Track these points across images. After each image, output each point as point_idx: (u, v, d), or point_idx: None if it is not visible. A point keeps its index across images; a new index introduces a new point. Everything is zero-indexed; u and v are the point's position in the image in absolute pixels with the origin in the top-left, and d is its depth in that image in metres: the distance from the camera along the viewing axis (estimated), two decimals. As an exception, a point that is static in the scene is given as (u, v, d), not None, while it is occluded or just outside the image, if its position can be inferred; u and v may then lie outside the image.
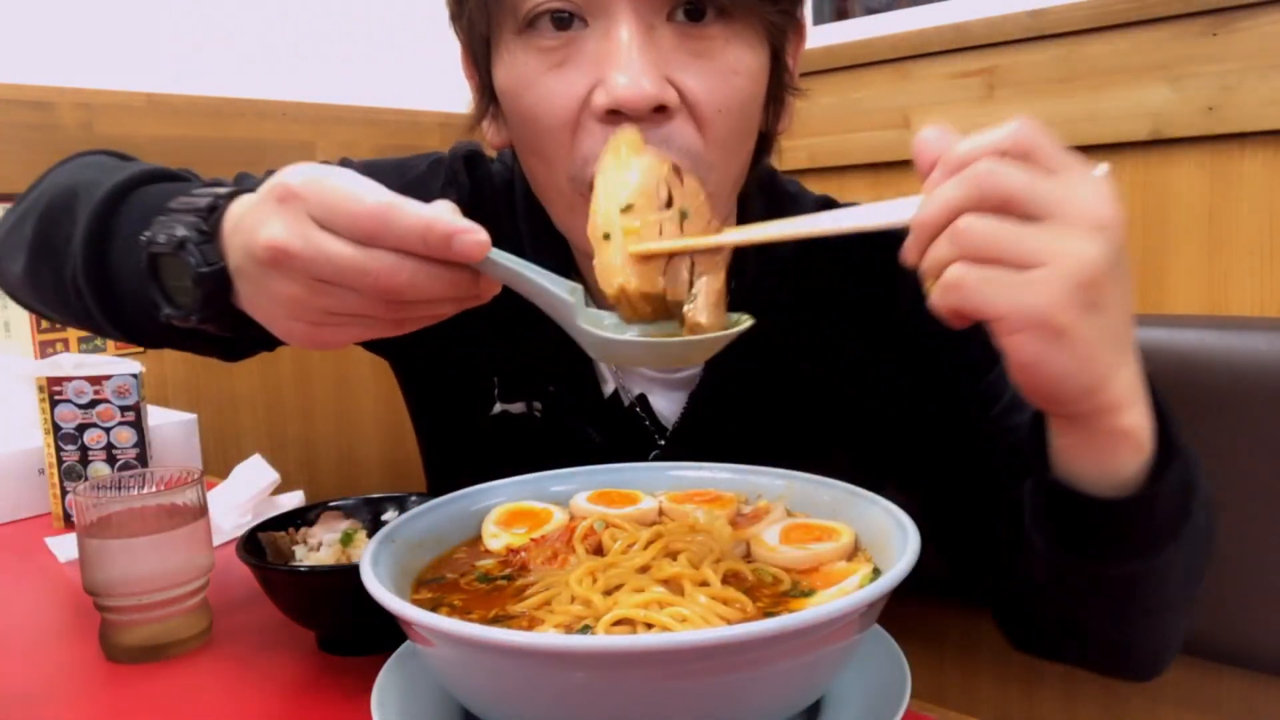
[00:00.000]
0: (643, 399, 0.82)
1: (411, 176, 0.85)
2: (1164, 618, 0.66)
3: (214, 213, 0.57)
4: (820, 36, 1.63)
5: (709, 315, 0.56)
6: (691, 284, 0.57)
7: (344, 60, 1.80)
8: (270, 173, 0.91)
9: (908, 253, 0.50)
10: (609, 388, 0.82)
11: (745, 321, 0.57)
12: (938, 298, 0.49)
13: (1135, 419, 0.54)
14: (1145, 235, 1.28)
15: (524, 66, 0.67)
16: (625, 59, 0.62)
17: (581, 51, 0.65)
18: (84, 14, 1.50)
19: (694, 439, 0.80)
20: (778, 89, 0.74)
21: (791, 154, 1.56)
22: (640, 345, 0.55)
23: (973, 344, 0.72)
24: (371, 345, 0.90)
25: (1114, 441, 0.55)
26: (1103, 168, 0.50)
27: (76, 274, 0.69)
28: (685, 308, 0.56)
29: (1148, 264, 1.28)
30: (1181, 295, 1.26)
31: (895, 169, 1.50)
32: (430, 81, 1.90)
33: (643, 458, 0.79)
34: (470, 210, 0.77)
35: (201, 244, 0.56)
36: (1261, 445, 1.05)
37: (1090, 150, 1.30)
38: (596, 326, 0.55)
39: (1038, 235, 0.47)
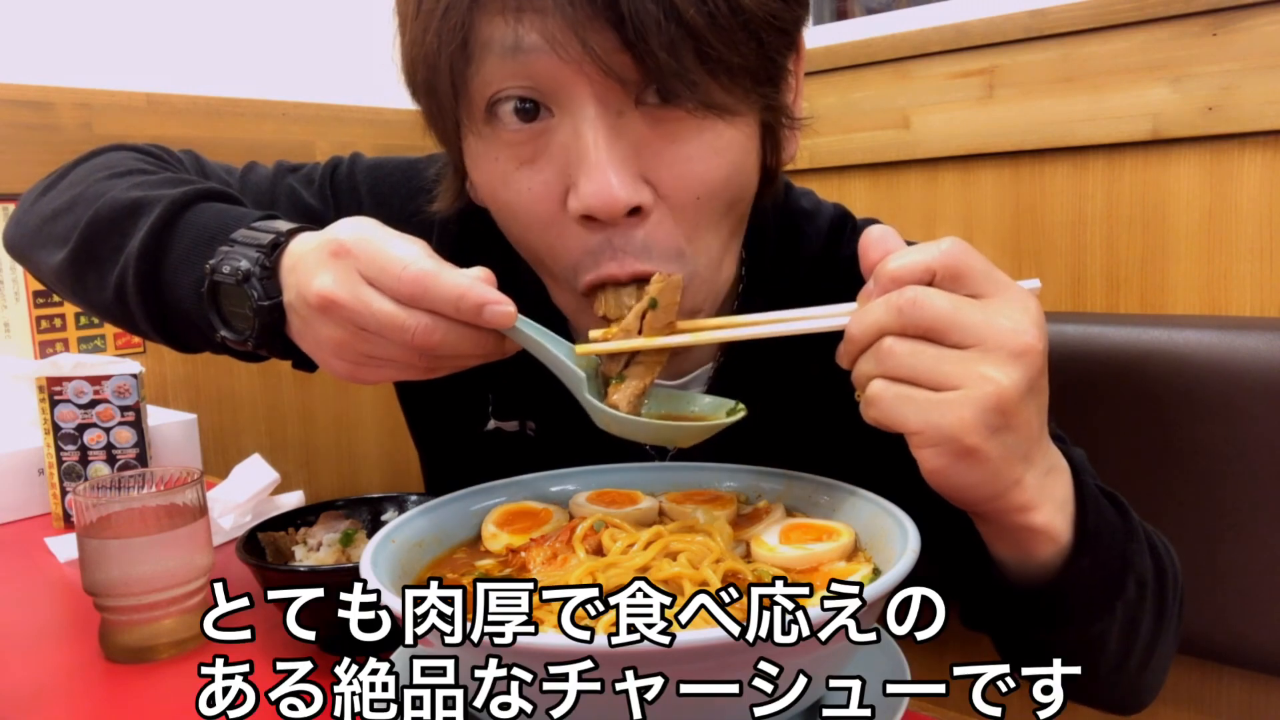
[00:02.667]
0: None
1: (417, 184, 0.84)
2: (1119, 676, 0.67)
3: (276, 250, 0.63)
4: (820, 36, 1.62)
5: (628, 405, 0.61)
6: (627, 363, 0.63)
7: (344, 60, 1.80)
8: (280, 164, 0.92)
9: (840, 359, 0.55)
10: None
11: (740, 412, 0.63)
12: (862, 409, 0.54)
13: (1045, 516, 0.56)
14: (1145, 235, 1.28)
15: (494, 162, 0.64)
16: (594, 162, 0.58)
17: (551, 145, 0.61)
18: (84, 14, 1.50)
19: (697, 459, 0.76)
20: (773, 135, 0.68)
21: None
22: (640, 424, 0.60)
23: None
24: None
25: (1025, 536, 0.57)
26: (1033, 284, 0.54)
27: (127, 284, 0.72)
28: (610, 383, 0.62)
29: (1148, 264, 1.28)
30: (1181, 295, 1.26)
31: (895, 169, 1.50)
32: (430, 81, 1.90)
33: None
34: (467, 222, 0.79)
35: (264, 279, 0.62)
36: (1261, 445, 1.05)
37: (1090, 150, 1.30)
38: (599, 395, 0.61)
39: (955, 361, 0.50)
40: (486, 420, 0.84)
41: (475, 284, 0.55)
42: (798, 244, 0.80)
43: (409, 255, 0.55)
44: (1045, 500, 0.56)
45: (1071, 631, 0.62)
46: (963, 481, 0.52)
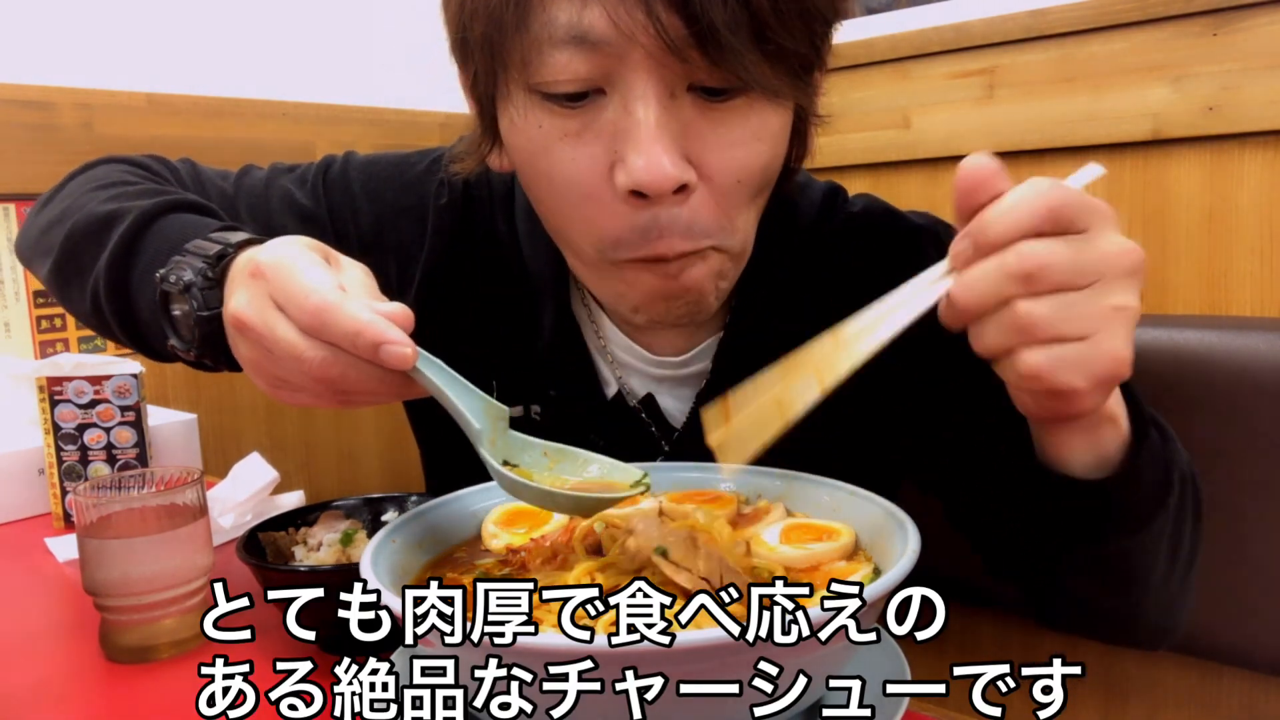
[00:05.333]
0: (649, 399, 0.81)
1: (410, 177, 0.86)
2: (1164, 591, 0.68)
3: (222, 260, 0.62)
4: (820, 36, 1.63)
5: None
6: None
7: (344, 60, 1.80)
8: (274, 165, 0.93)
9: (949, 323, 0.52)
10: (611, 390, 0.81)
11: (643, 486, 0.61)
12: (1016, 386, 0.52)
13: (1114, 402, 0.58)
14: (1145, 235, 1.28)
15: (537, 129, 0.63)
16: (646, 139, 0.59)
17: (599, 120, 0.61)
18: (84, 14, 1.49)
19: (700, 443, 0.79)
20: (801, 129, 0.71)
21: (791, 154, 1.56)
22: (533, 489, 0.57)
23: None
24: None
25: (1102, 426, 0.59)
26: (1097, 170, 0.55)
27: (100, 294, 0.74)
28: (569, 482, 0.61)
29: (1148, 264, 1.28)
30: (1181, 295, 1.26)
31: (895, 169, 1.49)
32: (430, 81, 1.90)
33: (649, 458, 0.78)
34: (462, 210, 0.80)
35: (205, 289, 0.62)
36: (1261, 445, 1.05)
37: (1090, 150, 1.30)
38: (497, 458, 0.58)
39: (1090, 304, 0.49)
40: None
41: (375, 321, 0.52)
42: (794, 214, 0.81)
43: (315, 284, 0.53)
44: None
45: (1129, 536, 0.62)
46: (1097, 403, 0.54)
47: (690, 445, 0.79)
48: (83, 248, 0.76)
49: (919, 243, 0.83)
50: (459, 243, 0.82)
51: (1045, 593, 0.76)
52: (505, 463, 0.58)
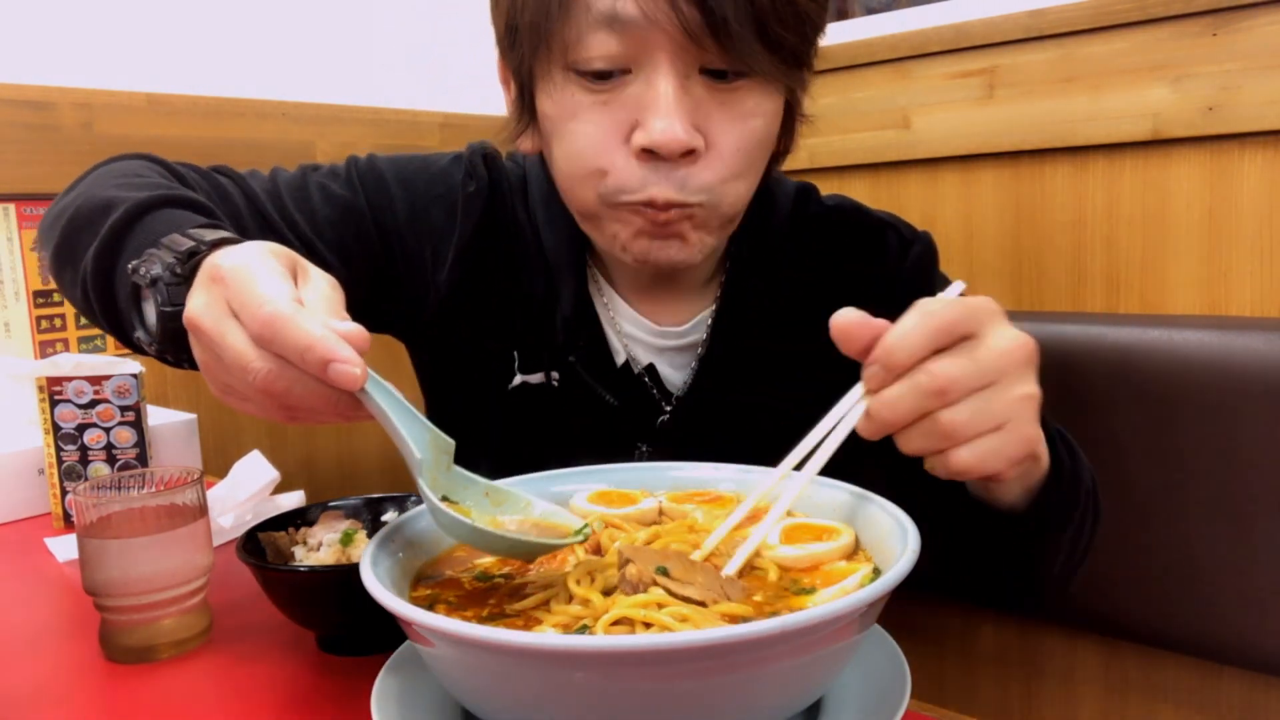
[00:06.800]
0: (651, 369, 0.91)
1: (436, 170, 0.93)
2: (1061, 575, 0.81)
3: (192, 258, 0.62)
4: (820, 36, 1.63)
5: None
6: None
7: (344, 60, 1.80)
8: (301, 165, 0.94)
9: (870, 435, 0.57)
10: (620, 358, 0.91)
11: (583, 535, 0.59)
12: (941, 472, 0.57)
13: (1042, 449, 0.66)
14: (1145, 235, 1.28)
15: (572, 99, 0.76)
16: (665, 108, 0.72)
17: (624, 94, 0.74)
18: (84, 14, 1.50)
19: (699, 404, 0.90)
20: (790, 120, 0.84)
21: (792, 154, 1.56)
22: (466, 526, 0.55)
23: None
24: (394, 331, 0.98)
25: (1035, 470, 0.69)
26: (960, 285, 0.64)
27: (87, 280, 0.74)
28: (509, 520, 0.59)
29: (1148, 264, 1.28)
30: (1181, 295, 1.26)
31: (895, 169, 1.50)
32: (430, 81, 1.90)
33: (652, 421, 0.90)
34: (489, 198, 0.90)
35: (172, 285, 0.61)
36: (1261, 445, 1.05)
37: (1090, 150, 1.30)
38: (436, 492, 0.56)
39: (1000, 399, 0.56)
40: (513, 376, 0.91)
41: (326, 337, 0.51)
42: (772, 205, 0.92)
43: (270, 294, 0.53)
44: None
45: (1040, 542, 0.75)
46: (1029, 470, 0.64)
47: (689, 408, 0.90)
48: (79, 234, 0.76)
49: (883, 234, 0.95)
50: (486, 227, 0.91)
51: (952, 566, 0.82)
52: (444, 498, 0.57)
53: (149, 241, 0.68)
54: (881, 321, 0.56)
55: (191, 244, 0.63)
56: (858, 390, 0.58)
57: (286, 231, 0.87)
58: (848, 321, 0.56)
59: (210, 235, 0.64)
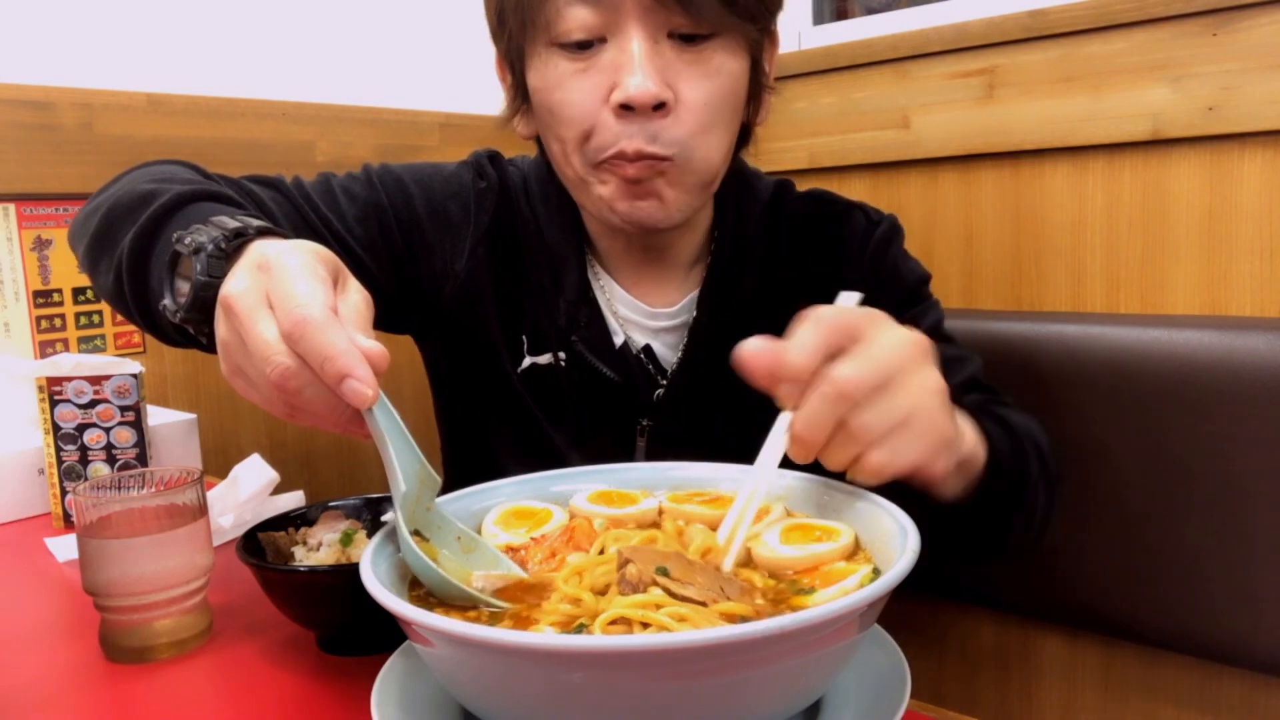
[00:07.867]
0: (648, 349, 0.97)
1: (448, 171, 1.01)
2: (1020, 540, 0.87)
3: (239, 237, 0.64)
4: (820, 36, 1.62)
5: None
6: None
7: (344, 60, 1.80)
8: (280, 177, 0.96)
9: (801, 459, 0.58)
10: (619, 340, 0.97)
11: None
12: (865, 479, 0.58)
13: (970, 445, 0.71)
14: (1145, 235, 1.28)
15: (555, 70, 0.83)
16: (637, 66, 0.79)
17: (602, 60, 0.81)
18: (84, 14, 1.50)
19: (692, 378, 0.96)
20: (756, 88, 0.90)
21: (791, 154, 1.56)
22: (429, 570, 0.56)
23: (932, 309, 0.99)
24: (414, 328, 1.04)
25: (964, 465, 0.72)
26: (856, 295, 0.64)
27: (122, 265, 0.76)
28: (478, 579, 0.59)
29: (1148, 264, 1.28)
30: (1181, 295, 1.26)
31: (895, 169, 1.50)
32: (430, 81, 1.90)
33: (649, 395, 0.95)
34: (499, 194, 1.00)
35: (214, 257, 0.63)
36: (1261, 445, 1.05)
37: (1090, 150, 1.30)
38: (410, 525, 0.57)
39: (903, 393, 0.57)
40: (522, 359, 0.97)
41: (349, 352, 0.53)
42: (750, 197, 1.00)
43: (308, 296, 0.55)
44: (964, 432, 0.70)
45: (991, 521, 0.81)
46: (951, 461, 0.64)
47: (682, 383, 0.96)
48: (119, 221, 0.79)
49: (850, 214, 1.02)
50: (497, 221, 0.99)
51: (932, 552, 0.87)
52: (415, 532, 0.58)
53: (192, 224, 0.69)
54: (779, 343, 0.57)
55: (239, 224, 0.65)
56: (783, 421, 0.58)
57: (323, 229, 0.91)
58: (748, 354, 0.57)
59: (256, 223, 0.66)
